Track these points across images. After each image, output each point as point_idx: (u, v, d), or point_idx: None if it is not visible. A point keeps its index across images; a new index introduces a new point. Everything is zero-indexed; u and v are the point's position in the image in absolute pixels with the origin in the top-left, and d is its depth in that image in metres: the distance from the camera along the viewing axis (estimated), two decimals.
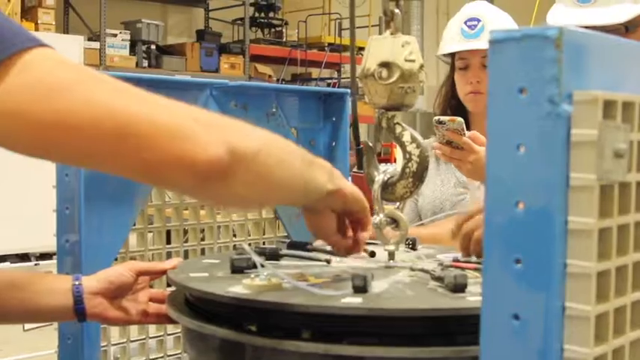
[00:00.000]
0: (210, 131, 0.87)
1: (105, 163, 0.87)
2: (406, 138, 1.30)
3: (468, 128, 2.28)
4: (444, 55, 2.30)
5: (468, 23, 2.20)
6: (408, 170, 1.30)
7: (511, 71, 0.69)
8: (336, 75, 10.70)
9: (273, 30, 10.12)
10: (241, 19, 9.40)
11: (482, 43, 2.14)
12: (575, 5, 1.96)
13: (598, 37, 0.72)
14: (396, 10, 1.30)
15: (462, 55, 2.21)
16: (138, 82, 1.54)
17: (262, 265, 1.17)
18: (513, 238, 0.68)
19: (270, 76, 9.68)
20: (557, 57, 0.66)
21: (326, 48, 10.21)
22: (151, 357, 1.68)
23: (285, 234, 1.90)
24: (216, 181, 0.89)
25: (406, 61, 1.25)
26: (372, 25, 9.49)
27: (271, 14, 9.91)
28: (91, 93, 0.83)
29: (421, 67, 1.28)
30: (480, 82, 2.18)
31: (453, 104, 2.28)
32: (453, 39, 2.22)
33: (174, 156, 0.84)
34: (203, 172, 0.86)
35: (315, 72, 10.25)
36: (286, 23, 10.14)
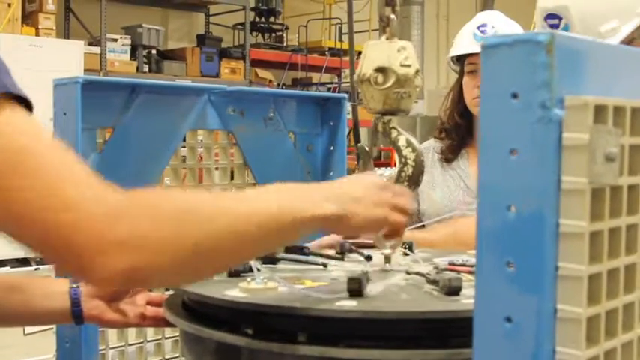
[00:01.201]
0: (123, 248, 0.81)
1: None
2: (402, 142, 1.31)
3: (473, 132, 2.29)
4: (454, 61, 2.33)
5: (481, 29, 2.24)
6: (403, 174, 1.31)
7: (503, 76, 0.69)
8: (336, 79, 10.69)
9: (273, 35, 10.11)
10: (242, 23, 9.39)
11: None
12: None
13: (589, 42, 0.73)
14: (392, 16, 1.30)
15: (472, 60, 2.23)
16: (138, 87, 1.56)
17: (259, 269, 1.18)
18: (505, 241, 0.69)
19: (270, 81, 9.66)
20: (548, 62, 0.67)
21: (326, 53, 10.20)
22: None
23: None
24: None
25: (402, 66, 1.26)
26: (373, 30, 9.48)
27: (272, 19, 9.89)
28: (24, 184, 0.80)
29: (417, 72, 1.28)
30: None
31: (460, 109, 2.29)
32: (465, 41, 2.25)
33: (79, 270, 0.84)
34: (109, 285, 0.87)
35: (315, 76, 10.22)
36: (287, 28, 10.12)
